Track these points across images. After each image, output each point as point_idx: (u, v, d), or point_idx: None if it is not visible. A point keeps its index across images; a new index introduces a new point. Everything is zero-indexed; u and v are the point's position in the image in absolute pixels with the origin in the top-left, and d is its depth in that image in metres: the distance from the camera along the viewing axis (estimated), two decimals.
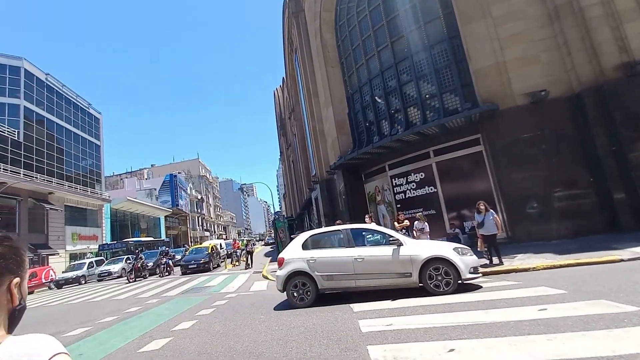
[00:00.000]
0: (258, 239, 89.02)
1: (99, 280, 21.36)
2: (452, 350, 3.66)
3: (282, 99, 44.06)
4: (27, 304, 0.85)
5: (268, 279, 11.87)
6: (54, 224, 30.85)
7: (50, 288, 21.05)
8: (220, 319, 6.48)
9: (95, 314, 8.79)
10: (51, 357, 0.66)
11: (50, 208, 29.95)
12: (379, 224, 12.80)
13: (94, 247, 34.22)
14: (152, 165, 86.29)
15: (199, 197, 78.62)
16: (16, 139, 28.39)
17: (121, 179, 68.68)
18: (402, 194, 13.82)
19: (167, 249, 26.41)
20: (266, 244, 49.61)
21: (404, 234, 9.14)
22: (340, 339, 4.50)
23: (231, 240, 33.40)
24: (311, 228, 37.05)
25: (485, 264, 8.29)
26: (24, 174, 27.49)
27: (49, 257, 28.47)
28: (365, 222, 10.13)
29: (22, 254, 0.83)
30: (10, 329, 0.77)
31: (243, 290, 9.99)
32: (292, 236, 9.70)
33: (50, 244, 29.61)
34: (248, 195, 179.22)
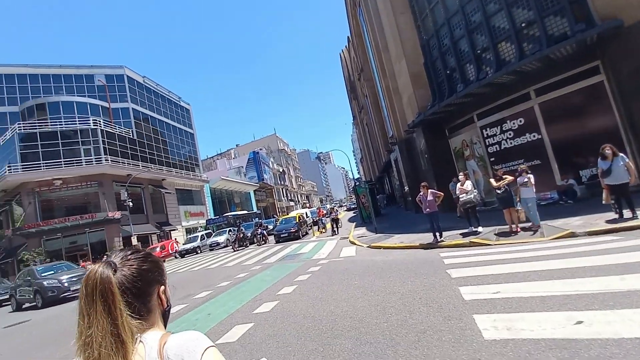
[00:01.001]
0: (339, 205, 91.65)
1: (210, 250, 24.94)
2: (579, 322, 3.17)
3: (349, 61, 42.42)
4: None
5: (355, 244, 12.15)
6: (170, 205, 36.68)
7: (175, 257, 25.45)
8: (318, 285, 6.88)
9: (213, 279, 10.28)
10: (205, 349, 0.80)
11: (165, 192, 35.57)
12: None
13: (202, 222, 39.82)
14: (236, 145, 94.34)
15: (281, 169, 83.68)
16: (131, 137, 33.82)
17: (214, 161, 77.05)
18: (496, 146, 12.24)
19: (260, 220, 29.15)
20: (348, 210, 50.83)
21: (505, 191, 8.17)
22: (441, 306, 4.33)
23: (315, 209, 35.10)
24: (392, 191, 36.40)
25: (614, 218, 6.94)
26: (142, 166, 32.88)
27: (171, 232, 34.29)
28: (460, 180, 9.35)
29: (161, 265, 0.99)
30: (165, 327, 0.95)
31: (333, 257, 10.42)
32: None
33: (170, 222, 35.49)
34: (326, 163, 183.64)
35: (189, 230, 37.92)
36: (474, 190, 9.00)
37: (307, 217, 24.32)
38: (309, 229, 22.84)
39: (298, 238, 19.09)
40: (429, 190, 9.13)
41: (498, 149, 12.20)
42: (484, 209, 12.14)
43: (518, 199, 8.06)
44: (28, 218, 25.74)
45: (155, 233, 31.91)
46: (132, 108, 35.37)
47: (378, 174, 41.29)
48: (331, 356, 3.52)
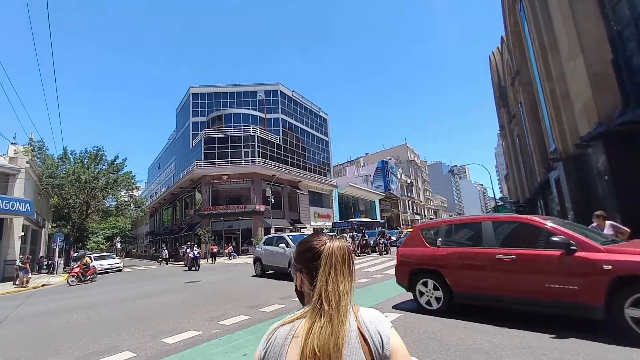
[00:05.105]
0: None
1: None
2: None
3: (500, 64, 37.49)
4: None
5: None
6: (303, 205, 40.57)
7: None
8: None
9: None
10: (391, 326, 0.93)
11: (300, 193, 39.61)
12: None
13: (329, 224, 42.36)
14: (366, 153, 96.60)
15: (408, 181, 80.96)
16: (278, 142, 39.19)
17: (343, 168, 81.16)
18: None
19: (383, 230, 28.80)
20: None
21: None
22: None
23: None
24: (548, 216, 29.67)
25: None
26: (284, 168, 37.63)
27: (301, 229, 37.79)
28: None
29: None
30: None
31: None
32: None
33: (301, 220, 39.21)
34: (460, 178, 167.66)
35: (316, 230, 41.00)
36: None
37: None
38: None
39: None
40: (608, 223, 6.93)
41: None
42: None
43: None
44: (204, 203, 33.14)
45: (288, 228, 35.84)
46: (282, 118, 41.06)
47: (529, 196, 34.72)
48: None
